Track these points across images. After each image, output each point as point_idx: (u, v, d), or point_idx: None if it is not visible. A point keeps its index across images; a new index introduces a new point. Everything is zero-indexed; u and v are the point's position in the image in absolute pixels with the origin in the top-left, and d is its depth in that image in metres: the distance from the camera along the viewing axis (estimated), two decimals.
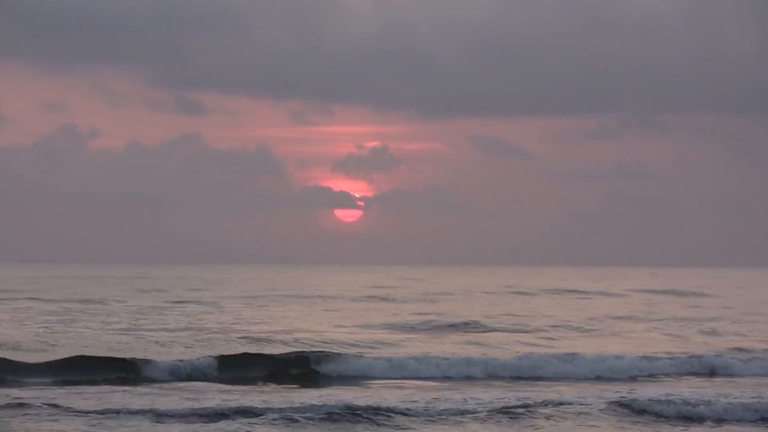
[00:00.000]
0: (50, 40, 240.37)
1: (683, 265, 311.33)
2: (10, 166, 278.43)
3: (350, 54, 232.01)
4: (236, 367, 34.78)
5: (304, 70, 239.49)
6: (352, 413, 24.91)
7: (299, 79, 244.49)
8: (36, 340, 39.51)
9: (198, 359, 34.66)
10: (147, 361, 33.82)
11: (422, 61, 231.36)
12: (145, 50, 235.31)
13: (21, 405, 25.19)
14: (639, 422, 25.33)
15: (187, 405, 25.83)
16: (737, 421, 26.03)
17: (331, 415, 24.65)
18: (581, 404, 26.75)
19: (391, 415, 25.04)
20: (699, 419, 25.95)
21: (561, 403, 26.73)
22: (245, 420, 24.12)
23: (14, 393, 27.90)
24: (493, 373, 35.18)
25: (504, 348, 40.64)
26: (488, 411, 25.57)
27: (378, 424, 24.27)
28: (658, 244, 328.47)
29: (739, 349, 41.06)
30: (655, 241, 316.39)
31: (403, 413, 25.27)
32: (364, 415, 24.76)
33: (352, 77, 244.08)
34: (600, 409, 26.10)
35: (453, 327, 50.25)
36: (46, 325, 47.37)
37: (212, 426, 23.56)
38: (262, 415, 24.66)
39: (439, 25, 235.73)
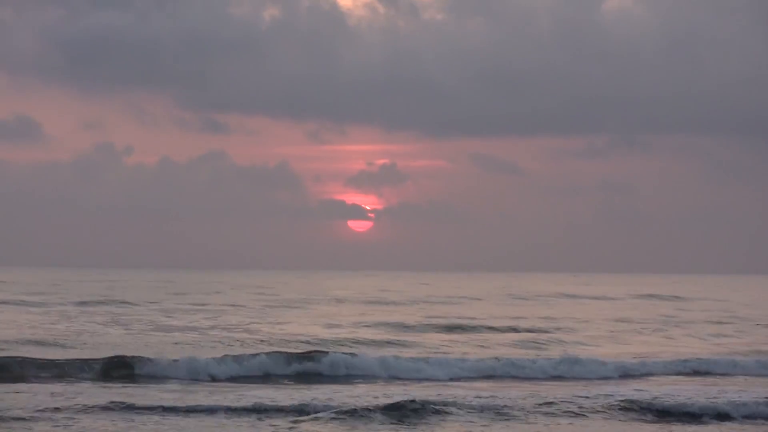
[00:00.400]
0: (90, 66, 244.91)
1: (662, 271, 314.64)
2: (53, 180, 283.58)
3: (362, 79, 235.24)
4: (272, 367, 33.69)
5: (320, 93, 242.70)
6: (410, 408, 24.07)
7: (315, 101, 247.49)
8: (87, 339, 39.31)
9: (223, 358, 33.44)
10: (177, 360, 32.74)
11: (427, 87, 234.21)
12: (175, 75, 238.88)
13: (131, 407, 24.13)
14: (648, 420, 24.66)
15: (224, 402, 25.02)
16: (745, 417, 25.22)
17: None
18: (593, 402, 26.10)
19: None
20: (706, 417, 25.22)
21: (572, 402, 26.05)
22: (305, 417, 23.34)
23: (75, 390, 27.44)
24: (506, 374, 34.43)
25: (518, 348, 40.59)
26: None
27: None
28: (641, 252, 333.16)
29: (758, 351, 40.88)
30: (637, 249, 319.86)
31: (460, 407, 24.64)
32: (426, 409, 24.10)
33: (363, 100, 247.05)
34: (607, 408, 25.51)
35: (465, 328, 49.50)
36: (94, 323, 47.28)
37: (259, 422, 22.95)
38: (318, 412, 23.80)
39: (442, 54, 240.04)
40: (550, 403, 25.81)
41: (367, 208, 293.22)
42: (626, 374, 34.96)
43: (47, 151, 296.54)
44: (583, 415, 24.84)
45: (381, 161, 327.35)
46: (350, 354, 35.07)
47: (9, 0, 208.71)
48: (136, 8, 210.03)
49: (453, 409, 24.49)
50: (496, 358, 36.40)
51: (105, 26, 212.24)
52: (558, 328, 51.16)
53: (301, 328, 46.92)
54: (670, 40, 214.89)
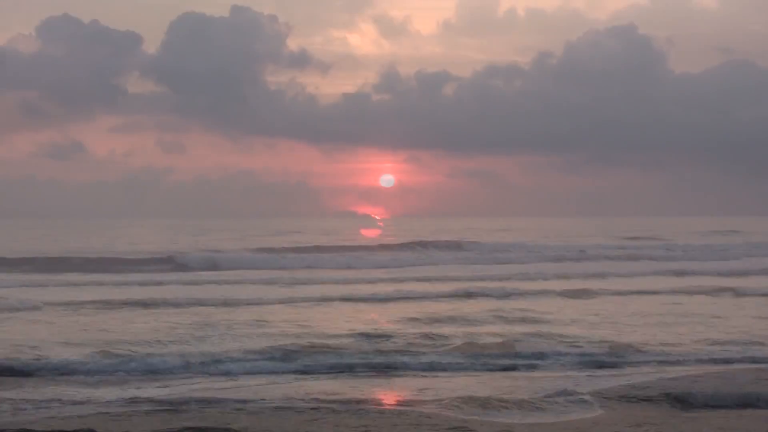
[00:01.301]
0: (138, 100, 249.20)
1: None
2: (106, 196, 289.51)
3: (371, 108, 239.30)
4: None
5: (335, 120, 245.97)
6: None
7: (332, 127, 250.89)
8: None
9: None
10: None
11: (428, 114, 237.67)
12: (210, 106, 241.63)
13: None
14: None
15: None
16: None
17: None
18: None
19: None
20: None
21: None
22: None
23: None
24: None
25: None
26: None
27: None
28: None
29: None
30: None
31: None
32: None
33: (373, 126, 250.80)
34: None
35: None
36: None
37: None
38: None
39: (440, 85, 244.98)
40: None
41: (377, 218, 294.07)
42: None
43: (97, 171, 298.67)
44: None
45: (388, 177, 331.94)
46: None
47: (63, 38, 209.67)
48: (175, 47, 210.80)
49: None
50: None
51: (148, 62, 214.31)
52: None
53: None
54: (638, 72, 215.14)
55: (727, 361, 24.21)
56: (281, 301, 39.52)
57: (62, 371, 22.22)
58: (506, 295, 42.77)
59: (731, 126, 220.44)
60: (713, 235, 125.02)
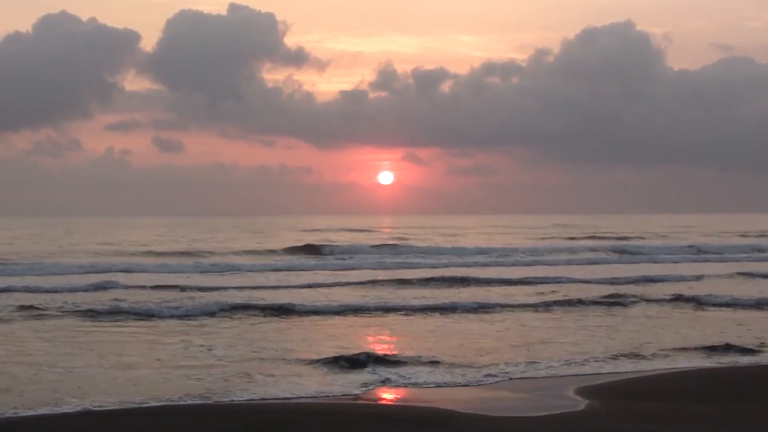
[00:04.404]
0: (135, 97, 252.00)
1: None
2: (102, 194, 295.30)
3: (368, 106, 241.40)
4: None
5: (332, 118, 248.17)
6: None
7: (329, 125, 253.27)
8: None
9: None
10: None
11: (425, 111, 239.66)
12: (207, 103, 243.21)
13: None
14: None
15: None
16: None
17: None
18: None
19: None
20: None
21: None
22: None
23: None
24: None
25: None
26: None
27: None
28: None
29: None
30: None
31: None
32: None
33: (370, 123, 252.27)
34: None
35: None
36: None
37: None
38: None
39: (437, 82, 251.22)
40: None
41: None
42: None
43: (94, 169, 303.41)
44: None
45: (383, 168, 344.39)
46: None
47: (61, 36, 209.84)
48: (173, 45, 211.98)
49: None
50: None
51: (145, 60, 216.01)
52: None
53: None
54: (634, 65, 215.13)
55: None
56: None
57: None
58: None
59: (729, 122, 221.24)
60: None
